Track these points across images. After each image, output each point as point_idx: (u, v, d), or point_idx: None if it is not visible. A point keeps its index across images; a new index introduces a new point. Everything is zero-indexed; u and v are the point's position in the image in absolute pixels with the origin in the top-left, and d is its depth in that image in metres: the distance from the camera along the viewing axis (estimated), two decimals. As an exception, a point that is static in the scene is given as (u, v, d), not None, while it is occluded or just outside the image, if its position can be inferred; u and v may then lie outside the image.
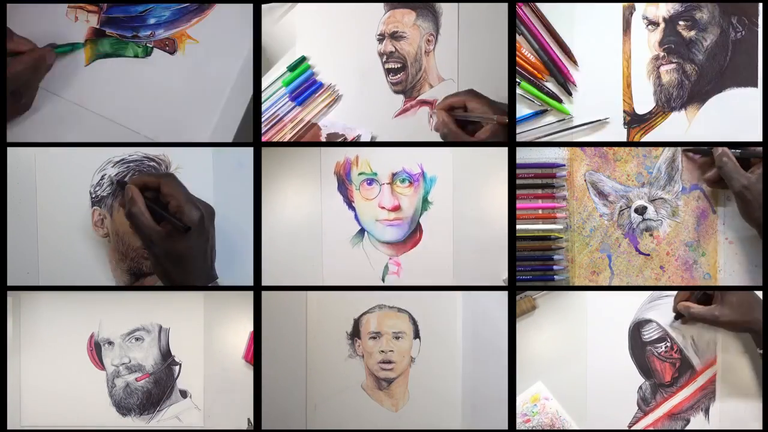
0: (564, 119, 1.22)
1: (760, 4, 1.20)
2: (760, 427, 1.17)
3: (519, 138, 1.22)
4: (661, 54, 1.22)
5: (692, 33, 1.21)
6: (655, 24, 1.21)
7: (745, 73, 1.21)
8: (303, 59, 1.25)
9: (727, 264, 1.21)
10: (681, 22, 1.21)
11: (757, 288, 1.18)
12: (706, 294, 1.18)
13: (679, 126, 1.22)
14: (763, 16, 1.20)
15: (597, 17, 1.22)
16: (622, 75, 1.22)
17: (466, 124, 1.18)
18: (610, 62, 1.22)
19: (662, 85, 1.22)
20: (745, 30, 1.20)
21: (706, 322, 1.17)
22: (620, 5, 1.21)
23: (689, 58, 1.21)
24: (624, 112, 1.23)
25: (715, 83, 1.22)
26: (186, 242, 1.09)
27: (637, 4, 1.21)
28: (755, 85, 1.21)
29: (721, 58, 1.21)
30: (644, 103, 1.22)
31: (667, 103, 1.22)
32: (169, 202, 1.11)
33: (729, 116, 1.21)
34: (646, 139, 1.22)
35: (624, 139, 1.22)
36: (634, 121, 1.23)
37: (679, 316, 1.20)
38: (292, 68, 1.25)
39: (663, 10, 1.21)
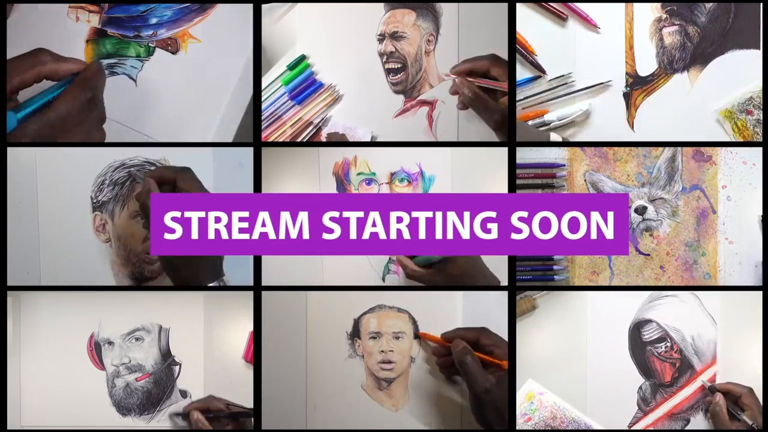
0: (566, 83, 1.23)
1: (760, 4, 1.20)
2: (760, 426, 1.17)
3: (522, 104, 1.22)
4: (664, 16, 1.22)
5: None
6: (658, -15, 1.22)
7: (748, 35, 1.21)
8: (303, 58, 1.25)
9: (727, 264, 1.21)
10: None
11: (757, 288, 1.18)
12: None
13: (681, 88, 1.23)
14: (763, 16, 1.20)
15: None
16: (625, 37, 1.22)
17: (488, 90, 1.16)
18: (612, 24, 1.23)
19: (665, 47, 1.22)
20: None
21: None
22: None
23: (691, 20, 1.22)
24: (626, 74, 1.23)
25: (718, 45, 1.22)
26: None
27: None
28: (757, 47, 1.21)
29: (724, 20, 1.22)
30: (647, 65, 1.23)
31: (670, 65, 1.23)
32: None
33: (731, 78, 1.21)
34: (649, 99, 1.21)
35: (624, 102, 1.23)
36: (637, 83, 1.23)
37: None
38: (291, 67, 1.25)
39: None
